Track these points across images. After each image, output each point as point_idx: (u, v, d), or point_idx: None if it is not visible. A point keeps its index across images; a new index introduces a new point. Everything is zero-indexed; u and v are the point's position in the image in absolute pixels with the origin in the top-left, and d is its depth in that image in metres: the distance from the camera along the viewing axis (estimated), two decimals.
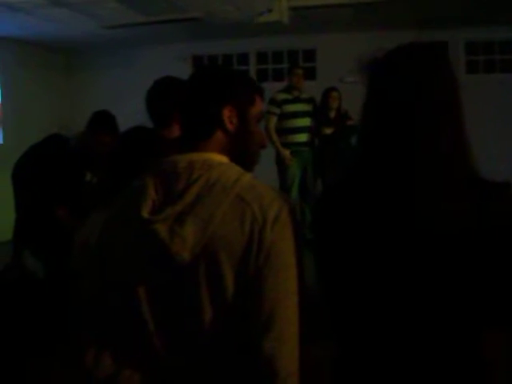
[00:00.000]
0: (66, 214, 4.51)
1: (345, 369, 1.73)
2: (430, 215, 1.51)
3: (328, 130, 8.40)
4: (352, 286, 1.64)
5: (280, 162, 8.34)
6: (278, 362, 1.51)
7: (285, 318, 1.54)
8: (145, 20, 9.03)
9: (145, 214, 1.57)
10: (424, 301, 1.54)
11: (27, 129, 9.74)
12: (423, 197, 1.52)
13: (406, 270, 1.53)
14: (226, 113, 1.71)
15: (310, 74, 10.45)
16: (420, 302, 1.54)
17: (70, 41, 10.75)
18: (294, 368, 1.54)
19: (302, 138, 8.34)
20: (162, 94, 2.93)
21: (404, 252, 1.53)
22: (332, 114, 8.46)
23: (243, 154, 1.78)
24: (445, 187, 1.52)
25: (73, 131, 8.33)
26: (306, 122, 8.38)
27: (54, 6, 8.03)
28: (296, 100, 8.36)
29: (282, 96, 8.35)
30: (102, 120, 4.78)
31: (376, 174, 1.60)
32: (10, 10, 8.13)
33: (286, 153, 8.23)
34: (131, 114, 7.48)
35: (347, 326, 1.71)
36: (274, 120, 8.21)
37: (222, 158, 1.69)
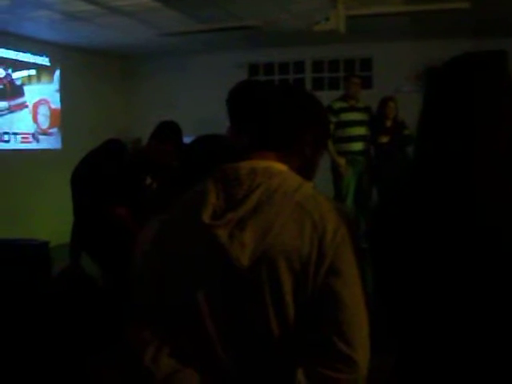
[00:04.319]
0: (127, 213, 4.58)
1: (405, 378, 1.71)
2: (492, 226, 1.49)
3: (384, 139, 8.34)
4: (412, 296, 1.63)
5: (335, 170, 8.30)
6: (362, 369, 1.53)
7: (362, 327, 1.56)
8: (202, 28, 9.10)
9: (206, 218, 1.59)
10: (484, 312, 1.51)
11: (85, 134, 9.92)
12: (484, 207, 1.49)
13: (467, 281, 1.51)
14: (306, 140, 1.78)
15: (367, 83, 10.39)
16: (481, 313, 1.51)
17: (126, 48, 10.90)
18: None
19: (358, 146, 8.29)
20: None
21: (465, 262, 1.50)
22: (388, 124, 8.40)
23: (307, 171, 1.84)
24: (507, 198, 1.50)
25: (129, 137, 8.44)
26: (362, 130, 8.33)
27: (113, 15, 8.16)
28: (352, 109, 8.33)
29: (339, 104, 8.32)
30: (169, 130, 4.86)
31: (433, 183, 1.59)
32: (69, 18, 8.29)
33: (342, 161, 8.19)
34: (185, 119, 7.58)
35: (407, 335, 1.70)
36: (330, 128, 8.17)
37: (282, 167, 1.71)
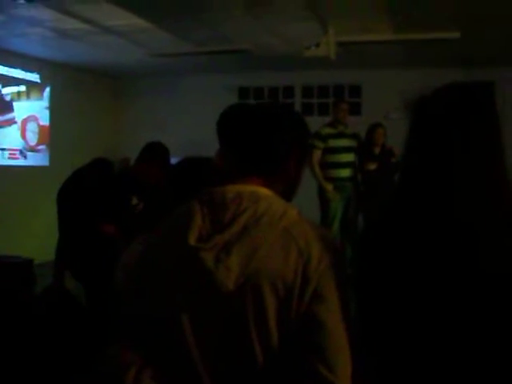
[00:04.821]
0: (115, 231, 4.56)
1: None
2: (473, 254, 1.49)
3: (372, 166, 8.37)
4: (394, 324, 1.62)
5: (322, 196, 8.32)
6: None
7: (344, 354, 1.55)
8: (193, 50, 9.14)
9: (192, 241, 1.59)
10: (468, 342, 1.50)
11: (73, 152, 9.92)
12: (465, 236, 1.51)
13: (450, 310, 1.51)
14: (292, 160, 1.80)
15: (356, 110, 10.46)
16: (464, 343, 1.51)
17: (117, 67, 10.94)
18: None
19: (346, 173, 8.31)
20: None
21: (449, 291, 1.51)
22: (376, 150, 8.44)
23: (289, 193, 1.84)
24: (486, 226, 1.51)
25: (117, 156, 8.43)
26: (349, 157, 8.36)
27: (105, 34, 8.19)
28: (341, 135, 8.35)
29: (327, 130, 8.35)
30: (156, 152, 4.87)
31: (417, 211, 1.60)
32: (61, 36, 8.31)
33: (329, 187, 8.21)
34: (174, 140, 7.59)
35: (388, 365, 1.69)
36: (318, 154, 8.20)
37: (268, 192, 1.71)
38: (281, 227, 1.59)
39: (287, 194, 1.81)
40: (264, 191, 1.70)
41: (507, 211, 1.55)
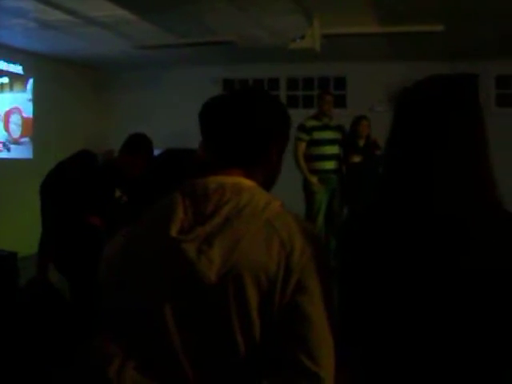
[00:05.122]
0: (100, 223, 4.55)
1: None
2: (452, 247, 1.50)
3: (356, 159, 8.39)
4: (376, 315, 1.63)
5: (307, 188, 8.33)
6: None
7: (328, 344, 1.55)
8: (177, 42, 9.12)
9: (173, 233, 1.58)
10: (450, 333, 1.51)
11: (57, 144, 9.87)
12: (444, 230, 1.51)
13: (432, 302, 1.52)
14: (273, 149, 1.79)
15: (341, 102, 10.48)
16: (446, 334, 1.52)
17: (101, 59, 10.89)
18: None
19: (330, 165, 8.32)
20: None
21: (430, 283, 1.52)
22: (361, 143, 8.46)
23: (269, 182, 1.84)
24: (466, 219, 1.52)
25: (101, 148, 8.41)
26: (334, 149, 8.37)
27: (89, 25, 8.15)
28: (325, 127, 8.36)
29: (312, 123, 8.36)
30: (139, 143, 4.85)
31: (400, 203, 1.60)
32: (43, 27, 8.26)
33: (314, 179, 8.22)
34: (159, 132, 7.57)
35: (372, 355, 1.69)
36: (302, 146, 8.22)
37: (251, 183, 1.71)
38: (263, 219, 1.59)
39: (267, 184, 1.81)
40: (247, 182, 1.70)
41: (488, 205, 1.56)
